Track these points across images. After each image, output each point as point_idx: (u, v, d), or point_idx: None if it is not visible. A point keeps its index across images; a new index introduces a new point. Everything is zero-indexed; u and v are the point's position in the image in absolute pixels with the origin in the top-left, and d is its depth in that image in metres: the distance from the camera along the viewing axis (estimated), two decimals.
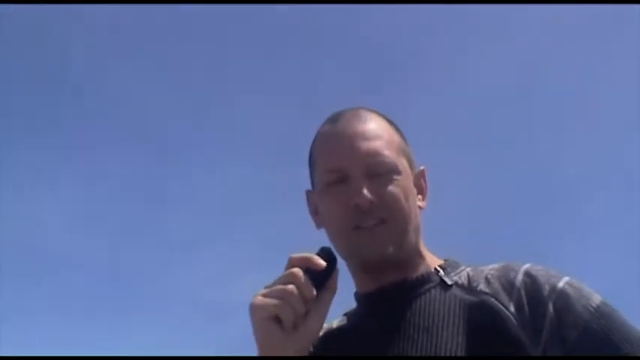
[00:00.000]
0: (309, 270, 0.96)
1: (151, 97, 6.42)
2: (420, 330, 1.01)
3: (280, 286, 0.95)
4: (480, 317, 0.98)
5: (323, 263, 0.97)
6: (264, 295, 0.95)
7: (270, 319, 0.94)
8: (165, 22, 6.08)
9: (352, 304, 1.15)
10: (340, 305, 1.10)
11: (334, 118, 1.12)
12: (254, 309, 0.95)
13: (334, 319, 1.16)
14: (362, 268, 1.09)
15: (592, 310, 0.97)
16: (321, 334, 1.07)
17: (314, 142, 1.15)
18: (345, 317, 1.15)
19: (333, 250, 1.03)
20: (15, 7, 5.17)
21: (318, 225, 1.14)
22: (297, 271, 0.95)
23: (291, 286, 0.94)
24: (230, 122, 6.70)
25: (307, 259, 0.97)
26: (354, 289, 1.13)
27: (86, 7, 5.35)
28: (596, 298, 0.99)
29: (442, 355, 0.96)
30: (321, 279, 0.98)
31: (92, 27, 5.89)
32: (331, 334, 1.12)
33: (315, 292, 0.96)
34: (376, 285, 1.08)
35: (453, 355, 0.95)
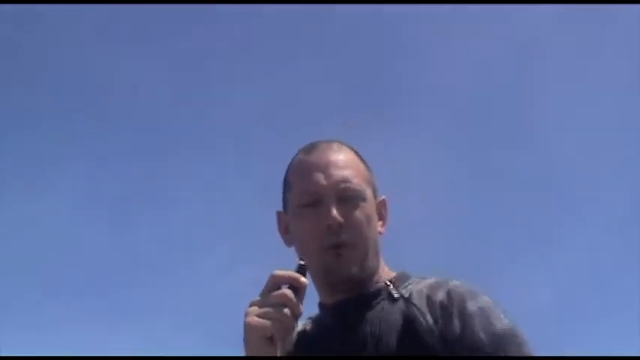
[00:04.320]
0: (292, 286, 1.06)
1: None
2: (369, 336, 1.18)
3: (274, 310, 1.04)
4: (404, 323, 1.16)
5: (307, 282, 1.09)
6: (260, 316, 1.05)
7: (265, 338, 1.04)
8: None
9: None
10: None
11: (309, 149, 1.29)
12: (250, 329, 1.04)
13: (301, 321, 1.31)
14: (327, 285, 1.25)
15: (490, 334, 1.11)
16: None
17: (289, 168, 1.31)
18: (309, 320, 1.32)
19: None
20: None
21: (288, 243, 1.29)
22: (290, 293, 1.05)
23: (286, 310, 1.03)
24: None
25: (295, 280, 1.07)
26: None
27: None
28: (503, 324, 1.13)
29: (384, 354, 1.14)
30: (298, 290, 1.09)
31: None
32: (300, 334, 1.29)
33: (302, 310, 1.07)
34: (337, 298, 1.25)
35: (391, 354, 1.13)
